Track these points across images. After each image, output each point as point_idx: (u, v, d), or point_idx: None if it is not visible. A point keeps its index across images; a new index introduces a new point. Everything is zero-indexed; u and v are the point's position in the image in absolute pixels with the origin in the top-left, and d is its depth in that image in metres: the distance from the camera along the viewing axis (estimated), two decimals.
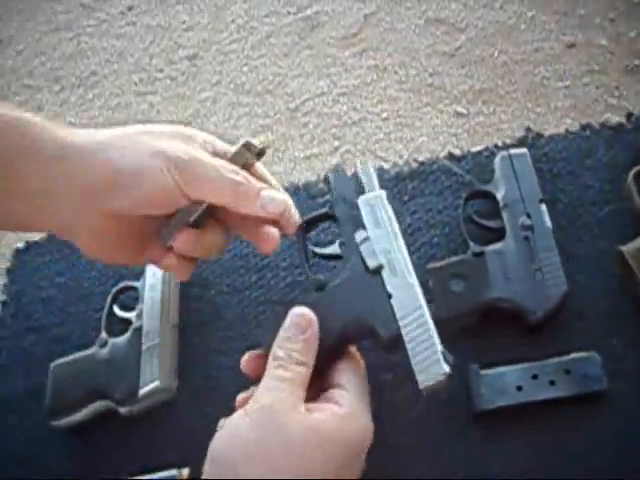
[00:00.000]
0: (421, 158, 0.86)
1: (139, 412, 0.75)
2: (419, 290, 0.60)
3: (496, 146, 0.84)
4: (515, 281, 0.72)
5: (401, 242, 0.62)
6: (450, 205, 0.81)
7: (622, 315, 0.72)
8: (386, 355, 0.66)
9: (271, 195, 0.63)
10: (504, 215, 0.76)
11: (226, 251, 0.83)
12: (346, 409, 0.55)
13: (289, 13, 2.57)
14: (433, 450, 0.69)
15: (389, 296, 0.60)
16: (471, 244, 0.75)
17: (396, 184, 0.84)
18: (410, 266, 0.61)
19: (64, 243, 0.89)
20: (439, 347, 0.57)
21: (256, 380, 0.59)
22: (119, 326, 0.80)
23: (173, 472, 0.71)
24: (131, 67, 2.59)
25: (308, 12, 2.55)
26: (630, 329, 0.71)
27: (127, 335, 0.78)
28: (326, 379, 0.60)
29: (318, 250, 0.68)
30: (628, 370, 0.70)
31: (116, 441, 0.76)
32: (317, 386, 0.59)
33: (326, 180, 0.69)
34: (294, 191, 0.85)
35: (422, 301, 0.60)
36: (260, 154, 0.66)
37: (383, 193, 0.65)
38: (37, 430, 0.78)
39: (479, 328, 0.73)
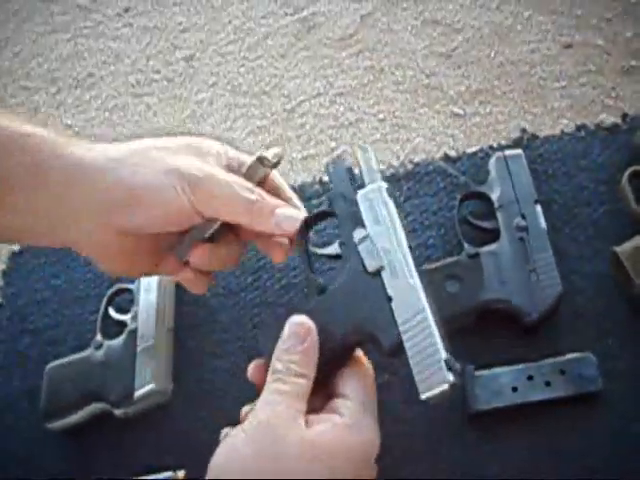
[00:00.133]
0: (417, 159, 0.86)
1: (134, 414, 0.75)
2: (421, 292, 0.55)
3: (491, 147, 0.84)
4: (510, 282, 0.72)
5: (402, 239, 0.57)
6: (445, 206, 0.81)
7: (617, 316, 0.72)
8: (380, 356, 0.66)
9: (286, 213, 0.61)
10: (499, 216, 0.76)
11: None
12: (347, 419, 0.54)
13: (286, 14, 2.57)
14: (429, 451, 0.69)
15: (389, 299, 0.56)
16: (466, 245, 0.75)
17: (391, 185, 0.83)
18: (412, 266, 0.56)
19: None
20: (443, 354, 0.52)
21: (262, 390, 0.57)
22: (114, 328, 0.80)
23: (168, 474, 0.71)
24: (128, 68, 2.59)
25: (305, 13, 2.55)
26: (625, 329, 0.72)
27: (122, 337, 0.78)
28: (331, 388, 0.58)
29: (318, 250, 0.65)
30: (623, 370, 0.70)
31: (111, 443, 0.76)
32: (323, 395, 0.57)
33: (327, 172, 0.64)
34: None
35: (424, 304, 0.55)
36: (275, 165, 0.65)
37: (384, 185, 0.60)
38: (33, 432, 0.78)
39: (474, 329, 0.73)
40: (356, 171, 0.64)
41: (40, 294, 0.87)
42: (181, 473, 0.71)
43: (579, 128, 0.84)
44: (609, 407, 0.68)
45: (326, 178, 0.64)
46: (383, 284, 0.56)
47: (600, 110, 2.12)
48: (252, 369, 0.60)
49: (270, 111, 2.35)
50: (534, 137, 0.84)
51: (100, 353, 0.78)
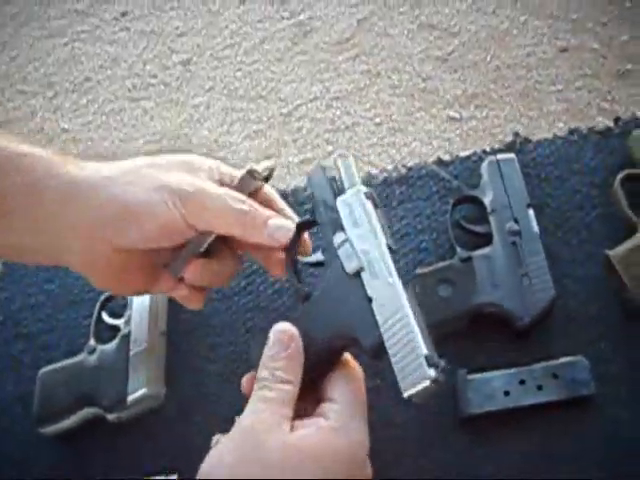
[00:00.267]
0: (410, 163, 0.86)
1: (127, 419, 0.75)
2: (401, 290, 0.54)
3: (484, 151, 0.84)
4: (502, 286, 0.72)
5: (382, 240, 0.57)
6: (438, 210, 0.81)
7: (610, 319, 0.73)
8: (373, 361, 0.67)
9: (278, 224, 0.61)
10: (491, 220, 0.76)
11: None
12: (333, 422, 0.53)
13: (282, 18, 2.57)
14: (421, 455, 0.69)
15: (370, 300, 0.55)
16: (458, 249, 0.75)
17: (384, 189, 0.84)
18: (391, 265, 0.56)
19: None
20: (423, 350, 0.51)
21: None
22: (107, 333, 0.80)
23: (161, 478, 0.71)
24: (125, 73, 2.59)
25: (301, 17, 2.55)
26: (618, 333, 0.72)
27: (115, 342, 0.78)
28: (319, 392, 0.58)
29: (302, 259, 0.64)
30: (616, 374, 0.70)
31: (104, 448, 0.76)
32: (312, 400, 0.57)
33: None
34: (282, 198, 0.85)
35: (403, 301, 0.54)
36: (266, 178, 0.65)
37: (362, 189, 0.60)
38: (26, 437, 0.78)
39: (467, 333, 0.73)
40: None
41: (33, 299, 0.87)
42: (174, 477, 0.71)
43: (572, 132, 0.84)
44: (602, 411, 0.69)
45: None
46: (363, 285, 0.56)
47: (596, 114, 2.13)
48: (245, 382, 0.60)
49: (267, 115, 2.36)
50: (527, 141, 0.84)
51: (93, 358, 0.77)
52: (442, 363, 0.52)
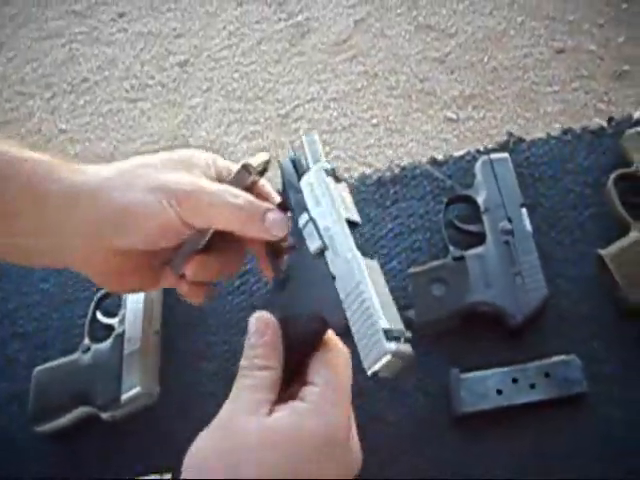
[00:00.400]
0: (403, 163, 0.86)
1: (121, 417, 0.75)
2: (359, 264, 0.52)
3: (478, 151, 0.84)
4: (495, 285, 0.72)
5: (341, 214, 0.55)
6: (432, 210, 0.82)
7: (602, 318, 0.73)
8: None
9: (277, 216, 0.61)
10: (485, 219, 0.76)
11: None
12: (308, 404, 0.53)
13: (280, 20, 2.58)
14: (414, 454, 0.70)
15: (333, 278, 0.53)
16: (451, 249, 0.75)
17: (378, 189, 0.84)
18: (350, 239, 0.54)
19: None
20: (381, 324, 0.49)
21: None
22: (102, 332, 0.80)
23: (155, 477, 0.71)
24: (122, 74, 2.59)
25: (299, 18, 2.56)
26: (610, 332, 0.72)
27: (109, 341, 0.78)
28: (303, 377, 0.57)
29: (282, 244, 0.63)
30: (608, 373, 0.70)
31: (99, 446, 0.76)
32: (300, 384, 0.56)
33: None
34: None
35: (361, 276, 0.52)
36: (262, 172, 0.65)
37: (323, 166, 0.58)
38: (21, 435, 0.78)
39: (460, 332, 0.73)
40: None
41: (29, 298, 0.87)
42: (167, 476, 0.71)
43: (565, 132, 0.84)
44: (594, 410, 0.69)
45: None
46: (327, 264, 0.55)
47: (593, 115, 2.13)
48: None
49: (264, 116, 2.36)
50: (520, 140, 0.84)
51: (88, 356, 0.78)
52: (406, 334, 0.50)
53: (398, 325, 0.50)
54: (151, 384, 0.75)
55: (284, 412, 0.52)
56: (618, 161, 0.80)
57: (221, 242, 0.65)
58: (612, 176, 0.77)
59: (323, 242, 0.55)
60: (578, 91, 2.20)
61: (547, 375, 0.69)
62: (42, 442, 0.78)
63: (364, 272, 0.52)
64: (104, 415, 0.75)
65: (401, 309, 0.54)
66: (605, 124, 0.85)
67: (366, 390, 0.71)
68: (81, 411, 0.76)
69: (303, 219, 0.57)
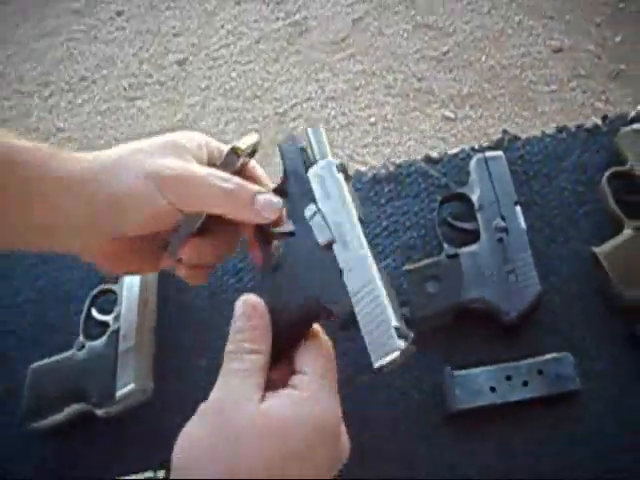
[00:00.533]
0: (398, 161, 0.86)
1: (116, 414, 0.75)
2: (372, 262, 0.55)
3: (472, 149, 0.85)
4: (489, 282, 0.72)
5: (353, 213, 0.57)
6: (426, 207, 0.82)
7: (595, 316, 0.73)
8: (360, 358, 0.67)
9: (267, 198, 0.61)
10: (479, 217, 0.76)
11: None
12: (302, 393, 0.53)
13: (278, 19, 2.58)
14: (408, 451, 0.70)
15: (341, 272, 0.55)
16: (446, 246, 0.75)
17: (373, 186, 0.84)
18: (362, 238, 0.56)
19: None
20: (393, 321, 0.52)
21: None
22: (97, 329, 0.80)
23: (149, 474, 0.71)
24: (120, 72, 2.59)
25: (297, 17, 2.56)
26: (603, 329, 0.72)
27: (104, 338, 0.78)
28: (290, 365, 0.58)
29: (273, 229, 0.62)
30: (601, 370, 0.71)
31: (93, 443, 0.77)
32: (286, 371, 0.57)
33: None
34: None
35: (375, 274, 0.54)
36: (251, 154, 0.65)
37: (334, 161, 0.60)
38: (15, 432, 0.78)
39: (454, 329, 0.73)
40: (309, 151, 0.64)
41: (24, 295, 0.88)
42: (161, 473, 0.71)
43: (560, 130, 0.85)
44: (586, 407, 0.69)
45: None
46: (334, 257, 0.56)
47: (590, 114, 2.13)
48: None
49: (262, 115, 2.36)
50: (515, 138, 0.85)
51: (82, 353, 0.78)
52: (411, 334, 0.52)
53: (403, 325, 0.53)
54: (145, 381, 0.76)
55: (278, 400, 0.52)
56: (612, 159, 0.80)
57: (216, 224, 0.65)
58: (606, 174, 0.77)
59: (333, 235, 0.57)
60: (575, 90, 2.20)
61: (540, 372, 0.69)
62: (37, 439, 0.78)
63: (375, 270, 0.54)
64: (99, 412, 0.75)
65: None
66: (600, 122, 0.85)
67: (360, 388, 0.71)
68: (76, 408, 0.76)
69: (310, 210, 0.59)
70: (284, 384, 0.55)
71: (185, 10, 2.70)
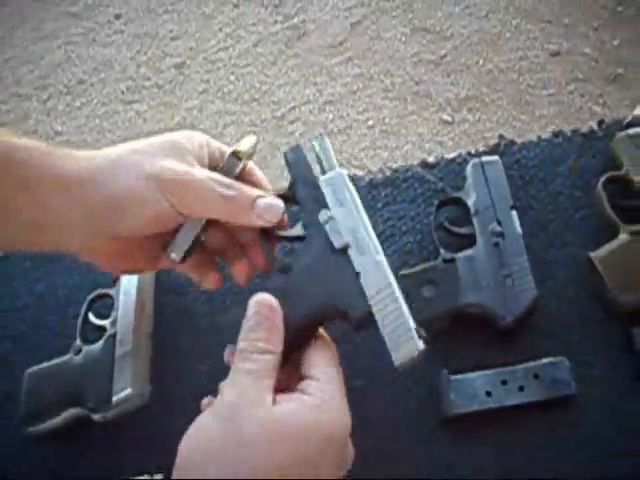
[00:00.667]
0: (395, 165, 0.87)
1: (113, 418, 0.75)
2: (388, 267, 0.58)
3: (469, 153, 0.85)
4: (485, 287, 0.72)
5: (366, 220, 0.60)
6: (423, 212, 0.82)
7: (591, 320, 0.73)
8: (356, 361, 0.67)
9: (267, 202, 0.62)
10: (475, 222, 0.76)
11: None
12: (315, 400, 0.53)
13: (276, 22, 2.58)
14: (404, 455, 0.70)
15: (357, 275, 0.58)
16: (442, 251, 0.75)
17: (369, 191, 0.84)
18: (377, 244, 0.59)
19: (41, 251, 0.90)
20: (412, 324, 0.56)
21: None
22: (94, 333, 0.80)
23: (146, 477, 0.71)
24: (118, 75, 2.59)
25: (295, 21, 2.56)
26: (599, 334, 0.72)
27: (101, 342, 0.78)
28: (299, 367, 0.58)
29: (281, 233, 0.64)
30: (597, 375, 0.71)
31: (90, 447, 0.77)
32: (292, 373, 0.58)
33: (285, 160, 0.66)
34: None
35: (391, 278, 0.58)
36: (249, 157, 0.66)
37: (344, 171, 0.63)
38: (13, 437, 0.78)
39: (450, 334, 0.73)
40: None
41: (22, 299, 0.88)
42: (159, 476, 0.71)
43: (556, 134, 0.85)
44: (583, 411, 0.69)
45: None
46: (350, 261, 0.59)
47: (588, 117, 2.14)
48: (227, 355, 0.61)
49: (260, 118, 2.37)
50: (511, 143, 0.85)
51: (79, 358, 0.78)
52: (425, 335, 0.57)
53: (418, 326, 0.57)
54: (142, 385, 0.76)
55: (290, 404, 0.53)
56: (608, 164, 0.80)
57: (218, 226, 0.66)
58: (602, 179, 0.77)
59: (348, 240, 0.59)
60: (573, 94, 2.20)
61: (536, 377, 0.69)
62: (34, 443, 0.78)
63: (391, 275, 0.58)
64: (95, 416, 0.75)
65: None
66: (596, 127, 0.85)
67: (356, 392, 0.71)
68: (73, 412, 0.76)
69: (325, 215, 0.61)
70: (291, 386, 0.56)
71: (183, 13, 2.70)
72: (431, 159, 0.86)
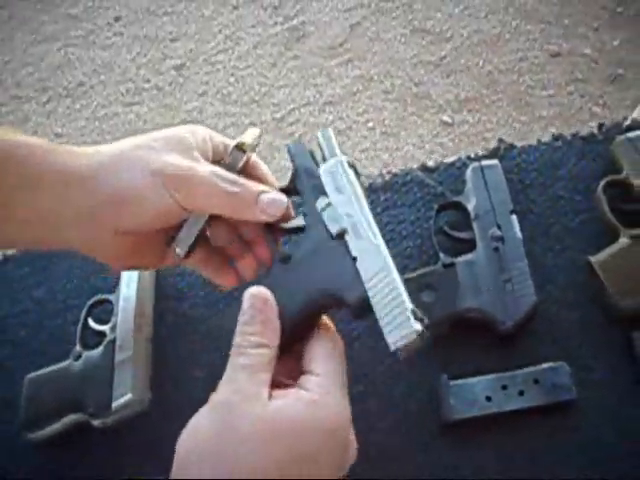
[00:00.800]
0: (394, 169, 0.87)
1: (112, 424, 0.75)
2: (385, 250, 0.57)
3: (468, 157, 0.85)
4: (485, 291, 0.72)
5: (364, 205, 0.59)
6: (422, 216, 0.82)
7: (591, 325, 0.73)
8: (356, 367, 0.67)
9: (271, 197, 0.61)
10: (475, 226, 0.76)
11: None
12: (313, 395, 0.52)
13: (275, 23, 2.58)
14: (403, 461, 0.70)
15: (354, 260, 0.57)
16: (441, 255, 0.75)
17: (369, 195, 0.84)
18: (375, 227, 0.58)
19: (40, 256, 0.90)
20: (409, 305, 0.54)
21: None
22: (94, 339, 0.80)
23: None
24: (118, 77, 2.59)
25: (294, 22, 2.56)
26: (599, 338, 0.72)
27: (101, 348, 0.78)
28: (299, 361, 0.57)
29: (283, 225, 0.63)
30: (597, 379, 0.70)
31: (90, 453, 0.76)
32: (294, 364, 0.57)
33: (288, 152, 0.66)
34: None
35: (389, 261, 0.56)
36: (254, 148, 0.66)
37: (344, 158, 0.62)
38: (12, 443, 0.78)
39: (449, 338, 0.73)
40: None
41: (21, 305, 0.87)
42: None
43: (556, 138, 0.85)
44: (583, 416, 0.69)
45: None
46: (347, 246, 0.58)
47: (588, 118, 2.14)
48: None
49: (260, 120, 2.36)
50: (511, 147, 0.85)
51: (79, 363, 0.77)
52: (426, 319, 0.54)
53: (416, 308, 0.55)
54: (142, 391, 0.75)
55: (287, 400, 0.52)
56: (608, 167, 0.80)
57: (221, 221, 0.65)
58: (601, 183, 0.77)
59: (345, 225, 0.58)
60: (573, 95, 2.20)
61: (536, 382, 0.69)
62: (34, 449, 0.78)
63: (389, 257, 0.57)
64: (95, 422, 0.74)
65: None
66: (596, 130, 0.85)
67: (356, 397, 0.71)
68: (72, 418, 0.76)
69: (322, 202, 0.60)
70: (291, 378, 0.55)
71: (182, 15, 2.70)
72: (431, 163, 0.86)
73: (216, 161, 0.64)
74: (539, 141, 0.85)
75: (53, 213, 0.61)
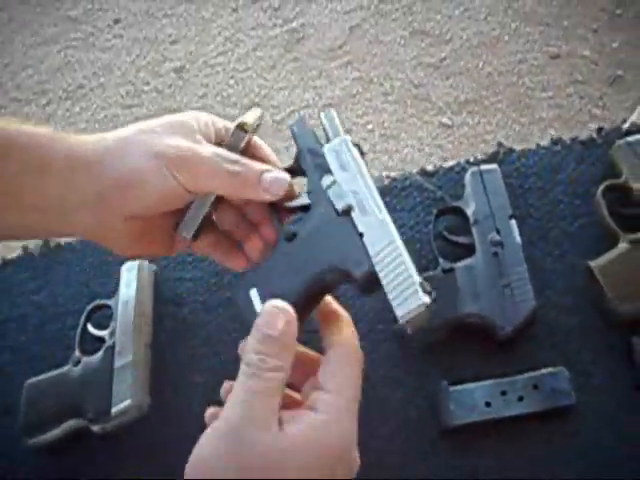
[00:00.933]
0: (394, 174, 0.86)
1: (112, 430, 0.75)
2: (392, 225, 0.58)
3: (467, 162, 0.85)
4: (484, 297, 0.72)
5: (369, 181, 0.60)
6: (422, 221, 0.82)
7: (591, 330, 0.73)
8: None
9: (273, 176, 0.62)
10: (474, 231, 0.76)
11: (199, 268, 0.84)
12: (322, 416, 0.52)
13: (275, 26, 2.58)
14: (404, 467, 0.70)
15: (361, 235, 0.58)
16: (441, 260, 0.75)
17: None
18: (380, 203, 0.59)
19: (40, 261, 0.90)
20: (416, 278, 0.55)
21: None
22: (93, 344, 0.80)
23: None
24: (118, 80, 2.59)
25: (294, 24, 2.56)
26: (598, 344, 0.72)
27: (100, 353, 0.78)
28: (304, 365, 0.57)
29: (287, 204, 0.64)
30: (596, 385, 0.71)
31: (89, 459, 0.76)
32: (297, 368, 0.55)
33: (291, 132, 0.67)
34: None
35: (395, 235, 0.57)
36: (256, 129, 0.66)
37: (348, 137, 0.63)
38: (12, 448, 0.78)
39: (448, 344, 0.73)
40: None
41: (20, 310, 0.87)
42: None
43: (555, 142, 0.85)
44: (582, 421, 0.69)
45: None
46: (353, 222, 0.58)
47: (588, 120, 2.14)
48: (225, 390, 0.58)
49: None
50: (510, 151, 0.85)
51: (78, 369, 0.77)
52: (433, 292, 0.55)
53: (423, 281, 0.55)
54: (142, 397, 0.75)
55: (299, 426, 0.51)
56: (607, 172, 0.80)
57: (227, 203, 0.66)
58: (600, 187, 0.77)
59: (351, 201, 0.59)
60: (573, 96, 2.20)
61: (535, 387, 0.69)
62: (34, 455, 0.78)
63: (395, 231, 0.58)
64: (94, 428, 0.74)
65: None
66: (595, 134, 0.85)
67: None
68: (72, 424, 0.76)
69: (327, 180, 0.61)
70: (296, 382, 0.56)
71: (182, 18, 2.70)
72: (430, 167, 0.86)
73: (218, 144, 0.64)
74: (538, 145, 0.85)
75: (60, 198, 0.61)
